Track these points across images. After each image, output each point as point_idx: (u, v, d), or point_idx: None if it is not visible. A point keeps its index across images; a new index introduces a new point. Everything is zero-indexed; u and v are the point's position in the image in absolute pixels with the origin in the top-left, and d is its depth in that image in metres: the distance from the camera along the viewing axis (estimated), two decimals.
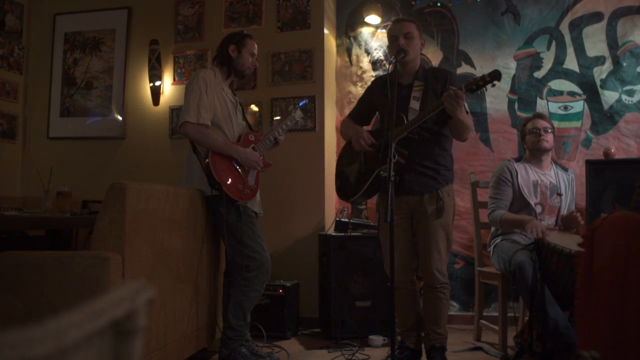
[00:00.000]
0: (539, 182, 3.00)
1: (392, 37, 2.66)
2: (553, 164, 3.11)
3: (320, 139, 3.82)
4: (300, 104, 3.20)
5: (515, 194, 2.99)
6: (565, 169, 3.13)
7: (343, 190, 2.86)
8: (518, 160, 3.10)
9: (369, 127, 2.98)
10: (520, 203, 2.96)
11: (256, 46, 2.93)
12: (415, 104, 2.60)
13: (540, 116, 3.12)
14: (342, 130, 2.95)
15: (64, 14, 4.39)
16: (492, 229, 3.12)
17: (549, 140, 3.02)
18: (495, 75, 2.38)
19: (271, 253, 2.88)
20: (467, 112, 2.56)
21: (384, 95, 2.59)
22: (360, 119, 2.89)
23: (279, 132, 2.90)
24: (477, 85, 2.42)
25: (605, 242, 1.75)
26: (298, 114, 3.00)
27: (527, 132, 3.07)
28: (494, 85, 2.41)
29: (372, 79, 4.00)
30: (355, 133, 2.75)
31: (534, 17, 3.82)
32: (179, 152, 3.78)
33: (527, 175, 3.01)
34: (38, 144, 4.38)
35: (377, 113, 2.90)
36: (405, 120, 2.53)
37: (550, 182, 3.02)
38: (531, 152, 3.07)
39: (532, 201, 2.95)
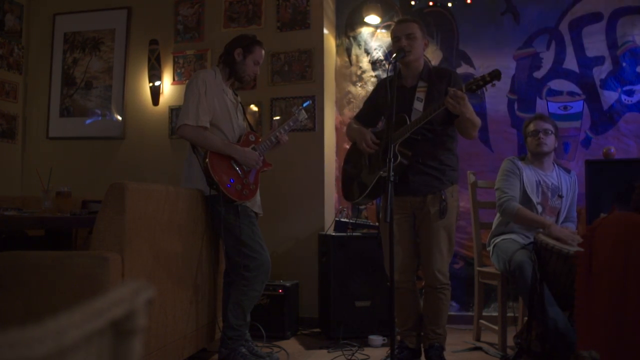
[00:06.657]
0: (541, 183, 3.01)
1: (394, 38, 2.67)
2: (555, 165, 3.11)
3: (320, 139, 3.82)
4: (305, 104, 3.19)
5: (519, 190, 2.99)
6: (568, 171, 3.13)
7: (348, 192, 2.86)
8: (522, 159, 3.10)
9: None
10: (523, 200, 2.96)
11: (263, 54, 2.91)
12: (418, 105, 2.59)
13: (541, 117, 3.10)
14: (347, 132, 2.96)
15: (64, 14, 4.39)
16: (493, 227, 3.12)
17: (548, 143, 3.02)
18: (495, 75, 2.38)
19: (271, 253, 2.88)
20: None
21: (386, 97, 2.59)
22: (366, 121, 2.88)
23: (281, 132, 2.89)
24: (477, 85, 2.42)
25: (605, 242, 1.75)
26: (302, 115, 2.99)
27: (528, 134, 3.08)
28: (494, 85, 2.41)
29: (372, 79, 4.01)
30: (359, 134, 2.75)
31: (534, 17, 3.82)
32: (179, 152, 3.78)
33: (530, 174, 3.01)
34: (38, 144, 4.37)
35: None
36: (408, 121, 2.54)
37: (552, 183, 3.02)
38: (532, 154, 3.08)
39: (534, 200, 2.96)
